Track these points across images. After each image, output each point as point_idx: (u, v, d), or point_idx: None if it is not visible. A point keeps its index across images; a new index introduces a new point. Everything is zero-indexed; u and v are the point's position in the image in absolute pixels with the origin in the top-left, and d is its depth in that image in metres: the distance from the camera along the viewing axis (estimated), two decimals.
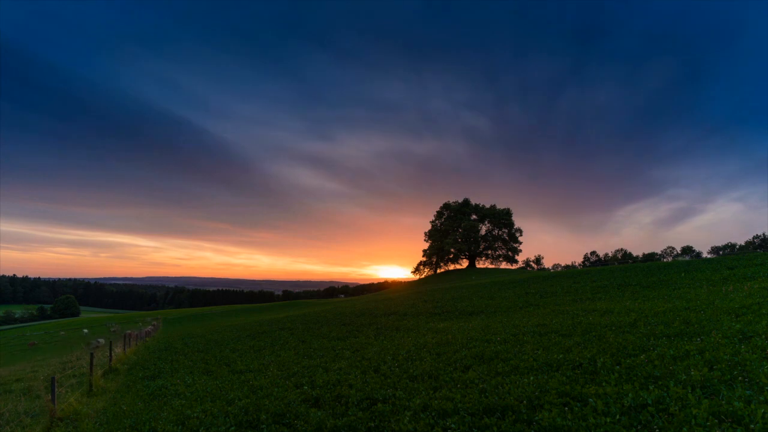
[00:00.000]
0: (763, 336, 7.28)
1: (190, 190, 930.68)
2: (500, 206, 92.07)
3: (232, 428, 6.76)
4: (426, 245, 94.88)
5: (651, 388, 5.64)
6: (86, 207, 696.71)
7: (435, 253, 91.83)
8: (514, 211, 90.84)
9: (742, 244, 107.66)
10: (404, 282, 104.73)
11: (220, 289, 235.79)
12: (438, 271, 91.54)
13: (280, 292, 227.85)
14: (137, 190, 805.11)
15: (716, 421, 4.44)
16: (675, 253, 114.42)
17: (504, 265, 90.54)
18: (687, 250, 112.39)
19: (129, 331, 24.93)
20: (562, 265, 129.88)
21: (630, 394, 5.48)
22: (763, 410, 4.38)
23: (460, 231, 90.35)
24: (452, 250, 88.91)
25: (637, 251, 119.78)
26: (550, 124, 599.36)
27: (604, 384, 6.16)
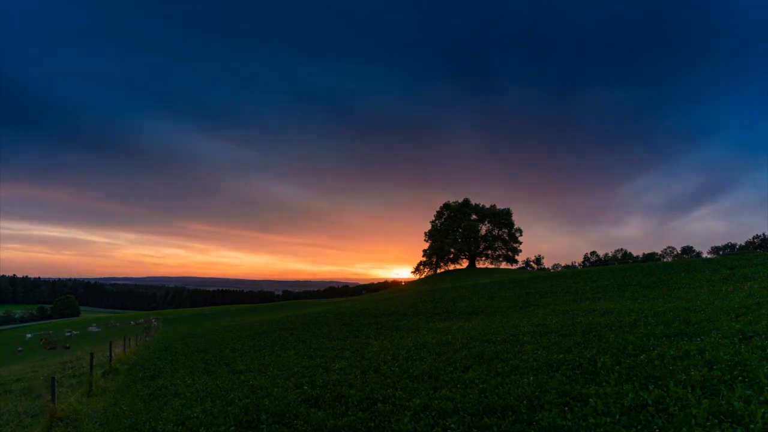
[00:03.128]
0: (763, 336, 7.28)
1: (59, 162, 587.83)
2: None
3: (232, 428, 6.76)
4: (426, 245, 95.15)
5: (651, 388, 5.63)
6: None
7: (435, 253, 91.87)
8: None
9: (742, 244, 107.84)
10: (404, 282, 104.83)
11: (220, 289, 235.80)
12: (438, 271, 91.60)
13: (280, 292, 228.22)
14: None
15: (716, 421, 4.44)
16: (675, 253, 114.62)
17: (504, 265, 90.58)
18: (687, 250, 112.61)
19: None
20: (562, 265, 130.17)
21: (630, 394, 5.47)
22: (763, 410, 4.38)
23: (460, 231, 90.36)
24: (452, 250, 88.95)
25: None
26: (507, 28, 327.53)
27: (604, 384, 6.16)
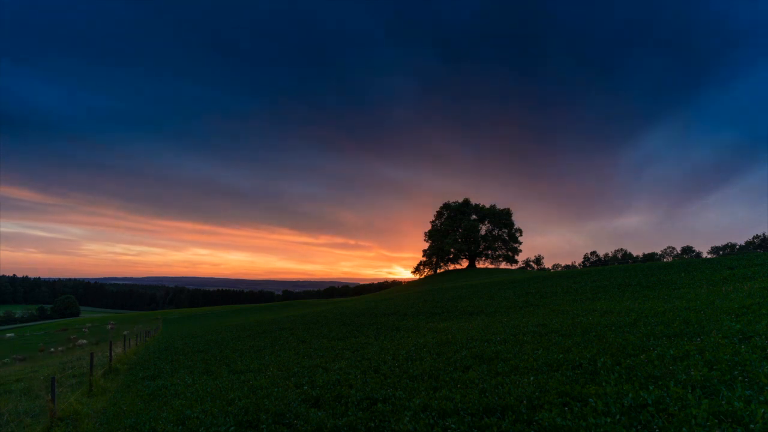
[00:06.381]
0: (763, 336, 7.28)
1: None
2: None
3: (232, 428, 6.75)
4: (426, 245, 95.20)
5: (651, 388, 5.63)
6: None
7: (435, 253, 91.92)
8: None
9: (742, 244, 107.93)
10: (404, 282, 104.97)
11: (220, 289, 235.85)
12: (438, 271, 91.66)
13: (280, 292, 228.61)
14: None
15: (716, 421, 4.44)
16: (675, 252, 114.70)
17: (504, 265, 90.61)
18: (687, 249, 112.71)
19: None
20: (562, 265, 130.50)
21: (630, 394, 5.47)
22: (763, 410, 4.38)
23: (460, 231, 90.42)
24: (452, 250, 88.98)
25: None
26: None
27: (604, 384, 6.16)
